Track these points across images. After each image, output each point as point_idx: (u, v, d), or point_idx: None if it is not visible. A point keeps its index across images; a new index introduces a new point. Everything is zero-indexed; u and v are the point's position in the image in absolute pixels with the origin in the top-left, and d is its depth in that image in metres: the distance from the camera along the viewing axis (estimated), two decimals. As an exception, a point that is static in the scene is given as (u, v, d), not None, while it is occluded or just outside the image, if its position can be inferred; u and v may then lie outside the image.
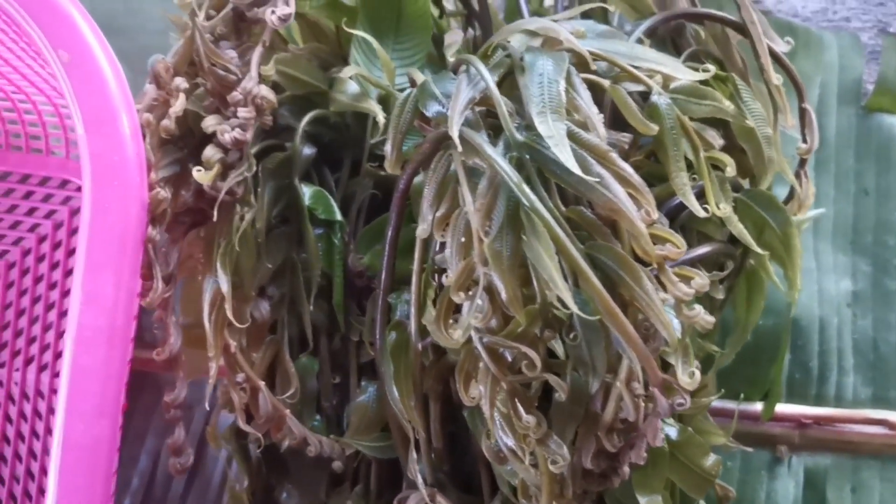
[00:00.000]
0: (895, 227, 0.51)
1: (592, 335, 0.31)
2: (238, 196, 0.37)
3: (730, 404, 0.50)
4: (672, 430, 0.37)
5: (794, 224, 0.38)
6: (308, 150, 0.42)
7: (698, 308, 0.30)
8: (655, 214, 0.30)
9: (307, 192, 0.42)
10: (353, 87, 0.40)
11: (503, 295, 0.30)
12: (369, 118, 0.43)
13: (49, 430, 0.53)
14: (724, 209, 0.35)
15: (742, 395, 0.49)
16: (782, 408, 0.50)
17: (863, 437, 0.50)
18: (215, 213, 0.36)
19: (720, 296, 0.40)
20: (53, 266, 0.54)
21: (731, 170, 0.35)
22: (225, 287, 0.36)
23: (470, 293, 0.31)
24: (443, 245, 0.34)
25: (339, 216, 0.42)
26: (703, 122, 0.37)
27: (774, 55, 0.39)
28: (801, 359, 0.51)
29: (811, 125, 0.40)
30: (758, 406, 0.50)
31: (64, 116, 0.51)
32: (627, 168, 0.30)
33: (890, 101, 0.52)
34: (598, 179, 0.29)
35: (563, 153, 0.29)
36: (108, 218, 0.33)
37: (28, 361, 0.54)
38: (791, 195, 0.42)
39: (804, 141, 0.40)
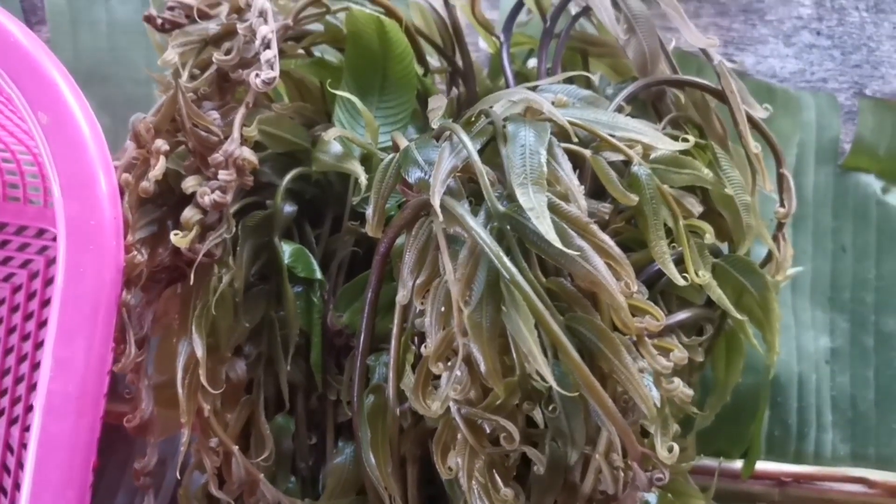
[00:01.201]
0: (873, 285, 0.52)
1: (571, 407, 0.31)
2: (216, 257, 0.37)
3: (709, 462, 0.50)
4: (651, 497, 0.37)
5: (773, 288, 0.38)
6: (289, 208, 0.41)
7: (677, 381, 0.30)
8: (635, 287, 0.30)
9: (287, 249, 0.41)
10: (335, 147, 0.40)
11: (482, 367, 0.30)
12: (351, 179, 0.43)
13: (17, 486, 0.51)
14: (704, 276, 0.35)
15: (722, 456, 0.49)
16: (762, 465, 0.50)
17: (843, 496, 0.49)
18: (192, 275, 0.35)
19: (699, 358, 0.40)
20: (27, 316, 0.53)
21: (709, 237, 0.36)
22: (199, 351, 0.35)
23: (449, 363, 0.31)
24: (423, 310, 0.34)
25: (318, 274, 0.42)
26: (683, 188, 0.37)
27: (753, 122, 0.40)
28: (780, 415, 0.51)
29: (789, 190, 0.40)
30: (738, 464, 0.50)
31: (42, 165, 0.51)
32: (607, 240, 0.30)
33: (866, 161, 0.52)
34: (578, 252, 0.29)
35: (544, 225, 0.29)
36: (82, 283, 0.33)
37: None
38: (769, 257, 0.42)
39: (782, 205, 0.41)
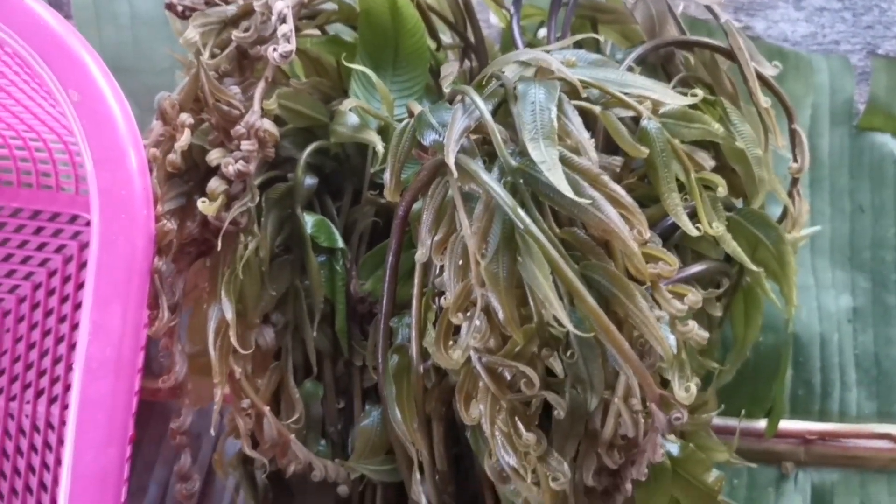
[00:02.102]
0: (892, 243, 0.52)
1: (589, 353, 0.31)
2: (242, 226, 0.38)
3: (733, 422, 0.50)
4: (674, 447, 0.38)
5: (788, 241, 0.39)
6: (310, 181, 0.43)
7: (692, 324, 0.31)
8: (647, 234, 0.31)
9: (309, 220, 0.43)
10: (353, 118, 0.41)
11: (500, 315, 0.31)
12: (369, 148, 0.44)
13: (59, 462, 0.53)
14: (717, 228, 0.35)
15: (745, 413, 0.49)
16: (786, 424, 0.50)
17: (869, 452, 0.50)
18: (219, 242, 0.37)
19: (717, 313, 0.41)
20: (63, 299, 0.55)
21: (722, 190, 0.36)
22: (229, 314, 0.37)
23: (468, 314, 0.32)
24: (442, 269, 0.35)
25: (340, 244, 0.43)
26: (695, 144, 0.37)
27: (763, 79, 0.40)
28: (803, 375, 0.51)
29: (801, 145, 0.41)
30: (761, 423, 0.50)
31: (73, 153, 0.53)
32: (619, 189, 0.31)
33: (881, 120, 0.52)
34: (590, 201, 0.30)
35: (556, 177, 0.30)
36: (115, 251, 0.34)
37: (38, 394, 0.54)
38: (785, 214, 0.42)
39: (795, 160, 0.41)
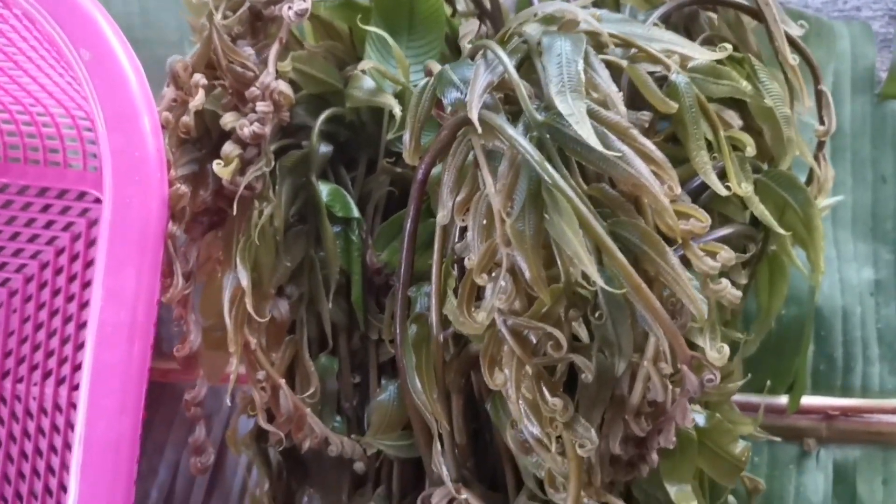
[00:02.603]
0: (915, 214, 0.51)
1: (618, 313, 0.30)
2: (257, 191, 0.37)
3: (755, 398, 0.49)
4: (700, 417, 0.37)
5: (816, 205, 0.38)
6: (325, 148, 0.42)
7: (725, 282, 0.30)
8: (678, 189, 0.30)
9: (324, 189, 0.42)
10: (368, 82, 0.40)
11: (527, 274, 0.30)
12: (385, 116, 0.43)
13: (67, 445, 0.52)
14: (746, 188, 0.35)
15: (768, 387, 0.48)
16: (808, 400, 0.49)
17: (892, 428, 0.49)
18: (234, 207, 0.36)
19: (742, 280, 0.40)
20: (71, 278, 0.54)
21: (750, 149, 0.35)
22: (245, 281, 0.36)
23: (493, 275, 0.31)
24: (463, 234, 0.34)
25: (356, 213, 0.42)
26: (721, 103, 0.36)
27: (789, 38, 0.39)
28: (825, 350, 0.50)
29: (828, 107, 0.40)
30: (783, 399, 0.49)
31: (81, 128, 0.52)
32: (648, 144, 0.30)
33: (903, 88, 0.51)
34: (619, 154, 0.29)
35: (584, 130, 0.29)
36: (129, 213, 0.33)
37: (46, 375, 0.53)
38: (810, 178, 0.41)
39: (821, 123, 0.40)
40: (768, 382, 0.42)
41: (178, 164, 0.37)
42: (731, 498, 0.44)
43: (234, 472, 0.54)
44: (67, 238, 0.54)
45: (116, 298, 0.33)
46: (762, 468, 0.49)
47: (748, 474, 0.43)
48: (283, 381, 0.38)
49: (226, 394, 0.54)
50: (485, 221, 0.31)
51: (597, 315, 0.30)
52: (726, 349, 0.30)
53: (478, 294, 0.33)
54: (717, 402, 0.39)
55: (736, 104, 0.37)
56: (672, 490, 0.36)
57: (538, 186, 0.30)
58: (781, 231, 0.37)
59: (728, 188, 0.33)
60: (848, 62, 0.52)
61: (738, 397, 0.45)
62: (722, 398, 0.39)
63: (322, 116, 0.41)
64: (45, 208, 0.54)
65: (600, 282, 0.28)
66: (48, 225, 0.54)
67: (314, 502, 0.44)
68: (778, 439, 0.43)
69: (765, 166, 0.39)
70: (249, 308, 0.35)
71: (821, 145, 0.41)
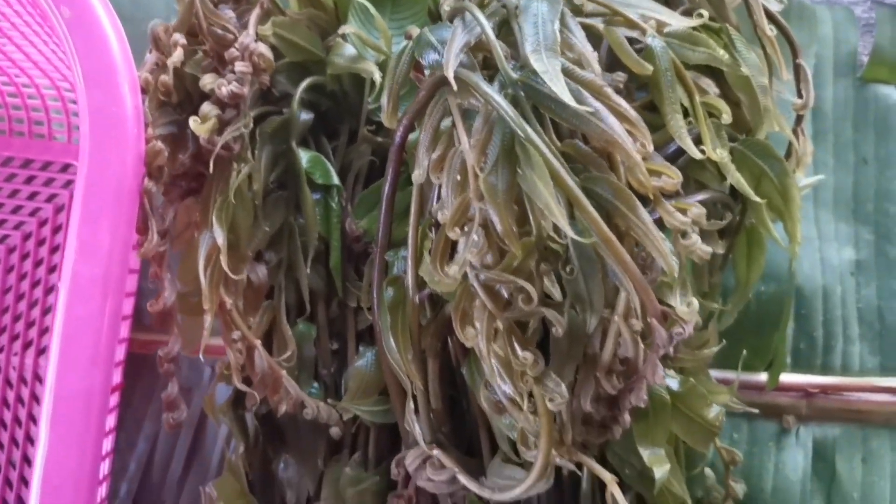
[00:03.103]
0: (896, 196, 0.51)
1: (589, 268, 0.31)
2: (234, 152, 0.37)
3: (734, 375, 0.49)
4: (673, 382, 0.37)
5: (793, 175, 0.38)
6: (305, 116, 0.42)
7: (695, 237, 0.30)
8: (650, 147, 0.30)
9: (305, 156, 0.42)
10: (349, 49, 0.41)
11: (498, 228, 0.30)
12: (366, 86, 0.43)
13: (36, 398, 0.52)
14: (721, 154, 0.35)
15: (748, 363, 0.48)
16: (788, 377, 0.49)
17: (871, 406, 0.49)
18: (211, 165, 0.36)
19: (720, 250, 0.40)
20: (53, 249, 0.54)
21: (726, 116, 0.35)
22: (220, 240, 0.36)
23: (465, 230, 0.31)
24: (439, 196, 0.34)
25: (336, 180, 0.42)
26: (698, 72, 0.37)
27: (768, 14, 0.40)
28: (805, 328, 0.50)
29: (806, 81, 0.40)
30: (763, 377, 0.49)
31: (66, 100, 0.52)
32: (622, 102, 0.30)
33: (886, 72, 0.52)
34: (592, 110, 0.29)
35: (558, 86, 0.30)
36: (105, 168, 0.33)
37: (26, 345, 0.53)
38: (789, 153, 0.42)
39: (799, 97, 0.40)
40: (743, 353, 0.42)
41: (157, 125, 0.37)
42: (708, 470, 0.44)
43: (213, 446, 0.54)
44: (51, 209, 0.54)
45: (90, 252, 0.33)
46: (742, 445, 0.49)
47: (725, 446, 0.43)
48: (258, 342, 0.38)
49: (206, 367, 0.54)
50: (459, 177, 0.31)
51: (568, 269, 0.31)
52: (695, 303, 0.30)
53: (452, 253, 0.33)
54: (693, 370, 0.39)
55: (713, 74, 0.37)
56: (645, 454, 0.36)
57: (511, 141, 0.30)
58: (757, 199, 0.37)
59: (703, 152, 0.34)
60: (830, 46, 0.52)
61: (717, 374, 0.45)
62: (697, 364, 0.39)
63: (303, 84, 0.41)
64: (29, 180, 0.54)
65: (570, 232, 0.28)
66: (32, 196, 0.54)
67: (290, 468, 0.44)
68: (755, 410, 0.43)
69: (742, 137, 0.40)
70: (224, 266, 0.35)
71: (799, 119, 0.41)
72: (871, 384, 0.49)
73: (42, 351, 0.53)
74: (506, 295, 0.31)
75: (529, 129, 0.30)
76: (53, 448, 0.32)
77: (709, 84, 0.36)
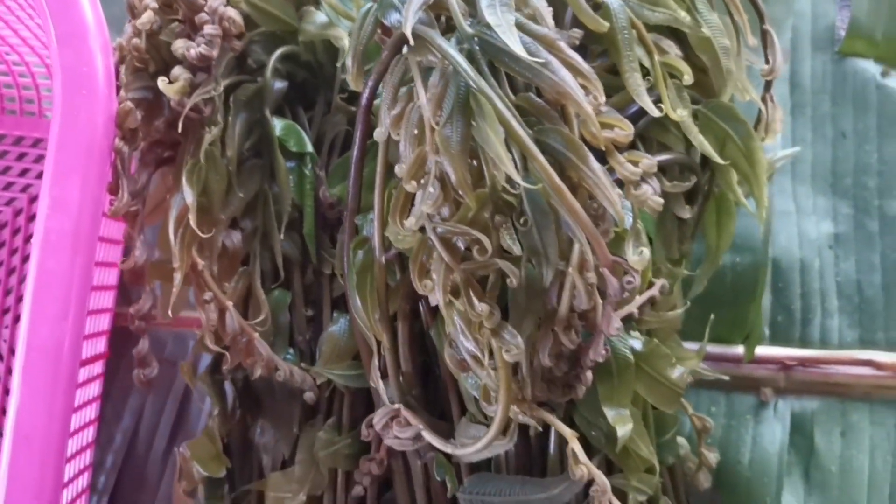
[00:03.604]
0: (875, 169, 0.51)
1: (542, 219, 0.31)
2: (205, 115, 0.38)
3: (712, 348, 0.49)
4: (637, 343, 0.37)
5: (758, 138, 0.38)
6: (279, 84, 0.43)
7: (645, 187, 0.30)
8: (603, 98, 0.31)
9: (279, 124, 0.43)
10: (321, 17, 0.42)
11: (453, 179, 0.30)
12: (340, 55, 0.44)
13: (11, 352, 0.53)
14: (681, 113, 0.35)
15: (724, 338, 0.48)
16: (766, 350, 0.49)
17: (850, 379, 0.49)
18: (179, 126, 0.37)
19: (686, 215, 0.40)
20: (31, 219, 0.55)
21: (687, 77, 0.36)
22: (189, 199, 0.37)
23: (422, 182, 0.32)
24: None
25: (310, 148, 0.43)
26: (660, 34, 0.37)
27: (734, -21, 0.40)
28: (783, 301, 0.50)
29: (773, 45, 0.40)
30: (740, 349, 0.49)
31: (36, 76, 0.53)
32: (575, 56, 0.31)
33: (864, 45, 0.52)
34: (544, 62, 0.30)
35: (511, 39, 0.30)
36: (76, 126, 0.34)
37: (17, 319, 0.54)
38: (759, 120, 0.42)
39: (766, 62, 0.40)
40: (711, 317, 0.42)
41: (131, 88, 0.38)
42: (681, 440, 0.44)
43: (197, 420, 0.54)
44: (41, 186, 0.55)
45: (61, 207, 0.34)
46: (719, 418, 0.49)
47: (697, 413, 0.43)
48: (230, 303, 0.39)
49: (191, 341, 0.55)
50: (416, 131, 0.32)
51: (522, 221, 0.31)
52: (646, 252, 0.30)
53: (412, 208, 0.34)
54: (661, 335, 0.40)
55: (677, 38, 0.38)
56: (610, 414, 0.36)
57: (466, 95, 0.31)
58: (720, 161, 0.37)
59: (661, 110, 0.34)
60: (808, 20, 0.52)
61: (693, 346, 0.45)
62: (665, 329, 0.39)
63: (277, 53, 0.42)
64: (21, 157, 0.56)
65: (519, 180, 0.29)
66: (23, 173, 0.56)
67: (266, 435, 0.44)
68: (726, 378, 0.43)
69: (708, 102, 0.40)
70: (193, 225, 0.36)
71: (768, 86, 0.41)
72: (851, 357, 0.49)
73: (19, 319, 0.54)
74: (462, 248, 0.32)
75: (482, 81, 0.30)
76: (25, 398, 0.33)
77: (671, 46, 0.36)
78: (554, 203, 0.30)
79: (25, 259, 0.55)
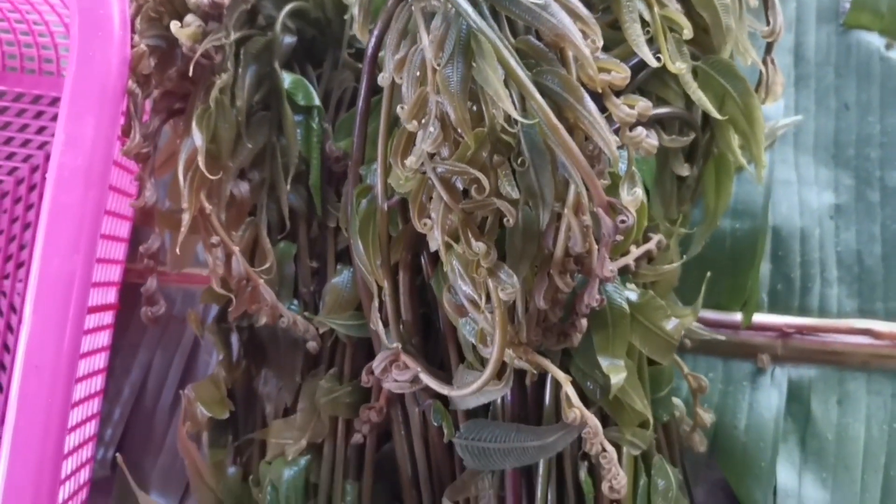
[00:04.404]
0: (877, 140, 0.51)
1: (539, 160, 0.32)
2: (216, 62, 0.39)
3: (710, 314, 0.50)
4: (632, 294, 0.38)
5: (756, 97, 0.39)
6: (288, 39, 0.44)
7: (640, 129, 0.31)
8: (600, 42, 0.31)
9: (287, 78, 0.44)
10: (330, -28, 0.42)
11: (452, 118, 0.31)
12: (348, 12, 0.45)
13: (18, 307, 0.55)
14: (679, 66, 0.36)
15: (722, 305, 0.49)
16: (764, 318, 0.50)
17: (848, 348, 0.49)
18: (191, 70, 0.38)
19: (685, 172, 0.41)
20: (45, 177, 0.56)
21: (687, 32, 0.36)
22: (199, 142, 0.38)
23: (423, 122, 0.32)
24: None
25: (317, 101, 0.44)
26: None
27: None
28: (782, 270, 0.51)
29: (773, 7, 0.41)
30: (739, 316, 0.50)
31: (56, 35, 0.54)
32: (575, 0, 0.32)
33: (868, 18, 0.52)
34: (543, 3, 0.31)
35: (511, -18, 0.31)
36: (91, 67, 0.36)
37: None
38: (759, 82, 0.42)
39: (767, 24, 0.41)
40: (707, 275, 0.42)
41: (145, 35, 0.39)
42: (677, 400, 0.45)
43: (204, 375, 0.55)
44: (39, 143, 0.57)
45: (75, 144, 0.35)
46: (716, 384, 0.50)
47: (693, 372, 0.44)
48: (236, 248, 0.40)
49: (199, 297, 0.56)
50: (418, 73, 0.33)
51: (519, 161, 0.32)
52: (640, 192, 0.31)
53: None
54: (657, 290, 0.40)
55: (679, -4, 0.38)
56: (605, 363, 0.37)
57: (468, 36, 0.32)
58: (718, 116, 0.38)
59: (659, 60, 0.35)
60: (814, -8, 0.53)
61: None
62: (659, 279, 0.40)
63: (286, 8, 0.43)
64: (38, 115, 0.57)
65: (517, 116, 0.30)
66: (40, 131, 0.57)
67: (269, 384, 0.45)
68: (721, 337, 0.43)
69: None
70: (201, 165, 0.37)
71: (769, 48, 0.42)
72: (849, 326, 0.49)
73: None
74: (461, 188, 0.33)
75: (483, 23, 0.31)
76: (35, 327, 0.34)
77: (671, 0, 0.37)
78: (551, 143, 0.31)
79: (29, 207, 0.56)
